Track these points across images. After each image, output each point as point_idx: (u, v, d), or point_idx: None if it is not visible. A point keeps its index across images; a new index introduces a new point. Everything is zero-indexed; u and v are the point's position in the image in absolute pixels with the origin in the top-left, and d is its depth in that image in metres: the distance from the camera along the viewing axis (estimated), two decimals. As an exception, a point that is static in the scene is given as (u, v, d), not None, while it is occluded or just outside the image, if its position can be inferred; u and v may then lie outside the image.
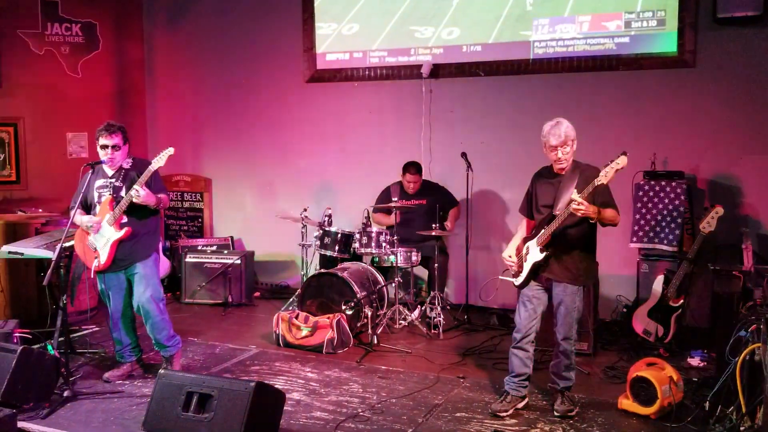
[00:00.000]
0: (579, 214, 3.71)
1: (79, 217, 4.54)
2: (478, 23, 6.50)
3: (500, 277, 5.78)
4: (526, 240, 4.12)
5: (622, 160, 3.63)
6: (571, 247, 3.96)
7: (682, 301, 5.11)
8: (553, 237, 3.91)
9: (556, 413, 4.06)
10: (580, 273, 4.01)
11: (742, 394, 3.46)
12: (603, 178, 3.64)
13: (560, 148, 3.90)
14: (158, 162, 4.45)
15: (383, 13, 6.91)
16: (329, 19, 7.11)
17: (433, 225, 5.86)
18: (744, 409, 3.46)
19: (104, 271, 4.56)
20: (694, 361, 4.91)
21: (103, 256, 4.49)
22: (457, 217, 6.40)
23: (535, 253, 3.99)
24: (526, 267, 4.06)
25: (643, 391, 3.99)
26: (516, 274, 4.16)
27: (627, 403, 4.08)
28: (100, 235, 4.50)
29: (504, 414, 4.05)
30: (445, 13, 6.64)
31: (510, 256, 4.17)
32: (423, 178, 6.48)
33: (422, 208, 6.27)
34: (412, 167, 6.35)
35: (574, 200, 3.67)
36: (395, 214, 5.99)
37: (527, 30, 6.30)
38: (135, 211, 4.49)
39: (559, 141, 3.89)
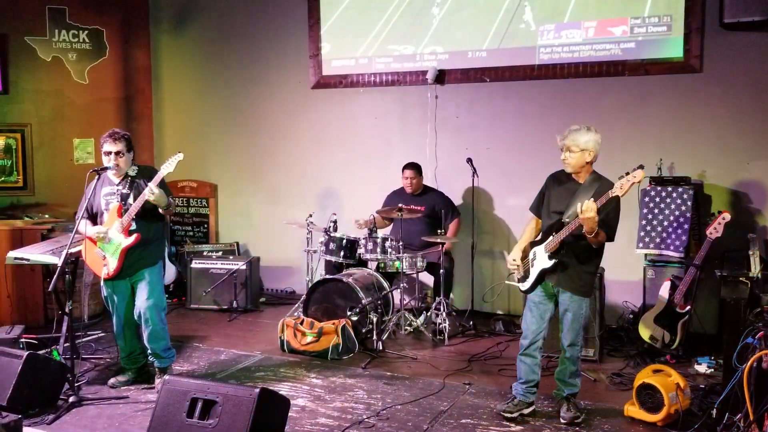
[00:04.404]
0: (581, 216, 3.64)
1: (86, 227, 4.53)
2: (478, 31, 6.50)
3: (506, 282, 5.78)
4: (533, 244, 4.09)
5: (639, 174, 3.59)
6: (579, 257, 3.93)
7: (688, 307, 5.08)
8: (562, 244, 3.89)
9: (562, 420, 4.04)
10: (586, 283, 3.99)
11: (750, 401, 3.43)
12: (618, 190, 3.61)
13: (563, 150, 3.94)
14: (168, 167, 4.44)
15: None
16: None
17: (438, 231, 5.85)
18: (751, 417, 3.43)
19: (112, 278, 4.56)
20: (701, 368, 4.90)
21: (113, 264, 4.48)
22: (456, 230, 6.37)
23: (543, 260, 3.96)
24: (533, 272, 4.03)
25: (650, 398, 3.97)
26: (522, 279, 4.14)
27: (633, 410, 4.06)
28: (109, 243, 4.50)
29: (509, 415, 4.04)
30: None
31: (514, 260, 4.15)
32: (426, 184, 6.47)
33: (421, 214, 6.21)
34: (410, 165, 6.36)
35: (587, 205, 3.61)
36: (396, 217, 5.96)
37: (532, 36, 6.29)
38: (143, 217, 4.49)
39: (560, 142, 3.94)
